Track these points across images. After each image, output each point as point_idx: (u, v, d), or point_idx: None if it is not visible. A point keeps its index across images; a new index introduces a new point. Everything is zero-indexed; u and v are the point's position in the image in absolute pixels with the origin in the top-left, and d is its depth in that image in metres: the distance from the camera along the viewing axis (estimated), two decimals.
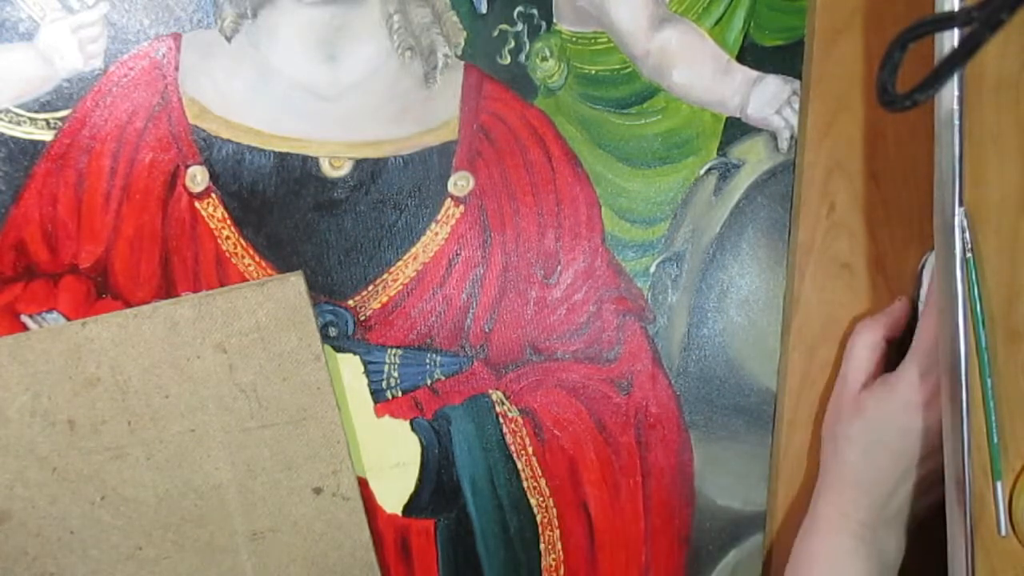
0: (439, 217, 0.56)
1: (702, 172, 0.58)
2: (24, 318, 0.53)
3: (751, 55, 0.57)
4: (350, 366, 0.56)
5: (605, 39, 0.56)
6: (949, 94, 0.49)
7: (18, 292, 0.53)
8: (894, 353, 0.58)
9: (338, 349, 0.56)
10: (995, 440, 0.49)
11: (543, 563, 0.60)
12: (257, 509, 0.55)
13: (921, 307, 0.57)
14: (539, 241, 0.57)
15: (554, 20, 0.56)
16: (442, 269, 0.57)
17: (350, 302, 0.56)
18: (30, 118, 0.52)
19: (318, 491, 0.55)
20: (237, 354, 0.53)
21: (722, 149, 0.58)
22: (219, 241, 0.54)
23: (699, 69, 0.57)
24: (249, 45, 0.53)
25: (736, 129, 0.58)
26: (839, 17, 0.57)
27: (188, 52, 0.53)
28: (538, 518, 0.59)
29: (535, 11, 0.55)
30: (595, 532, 0.60)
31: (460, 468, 0.58)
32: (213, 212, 0.54)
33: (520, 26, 0.55)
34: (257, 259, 0.55)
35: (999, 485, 0.49)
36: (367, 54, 0.54)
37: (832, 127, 0.58)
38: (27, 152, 0.52)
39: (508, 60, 0.56)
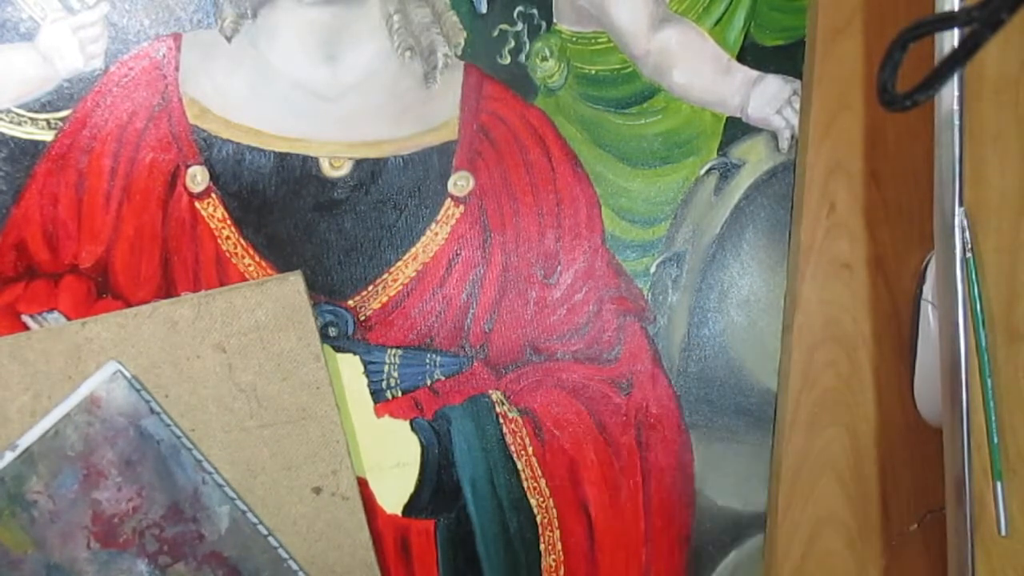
0: (439, 217, 0.56)
1: (702, 172, 0.58)
2: (25, 318, 0.53)
3: (751, 55, 0.57)
4: (350, 366, 0.56)
5: (605, 39, 0.56)
6: (949, 94, 0.49)
7: (19, 292, 0.53)
8: (898, 349, 0.58)
9: (338, 349, 0.56)
10: (995, 440, 0.49)
11: (543, 563, 0.60)
12: (257, 509, 0.55)
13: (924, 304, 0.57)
14: (539, 241, 0.57)
15: (554, 20, 0.56)
16: (442, 269, 0.57)
17: (350, 302, 0.56)
18: (31, 118, 0.52)
19: (318, 491, 0.56)
20: (236, 354, 0.54)
21: (722, 149, 0.58)
22: (219, 241, 0.54)
23: (699, 69, 0.57)
24: (249, 45, 0.53)
25: (736, 129, 0.58)
26: (839, 17, 0.57)
27: (188, 52, 0.53)
28: (538, 518, 0.59)
29: (535, 11, 0.55)
30: (595, 532, 0.60)
31: (460, 468, 0.58)
32: (213, 212, 0.54)
33: (520, 26, 0.55)
34: (257, 259, 0.55)
35: (999, 485, 0.49)
36: (367, 54, 0.54)
37: (832, 127, 0.58)
38: (28, 152, 0.53)
39: (508, 60, 0.56)
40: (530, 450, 0.59)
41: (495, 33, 0.55)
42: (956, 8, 0.47)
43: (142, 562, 0.53)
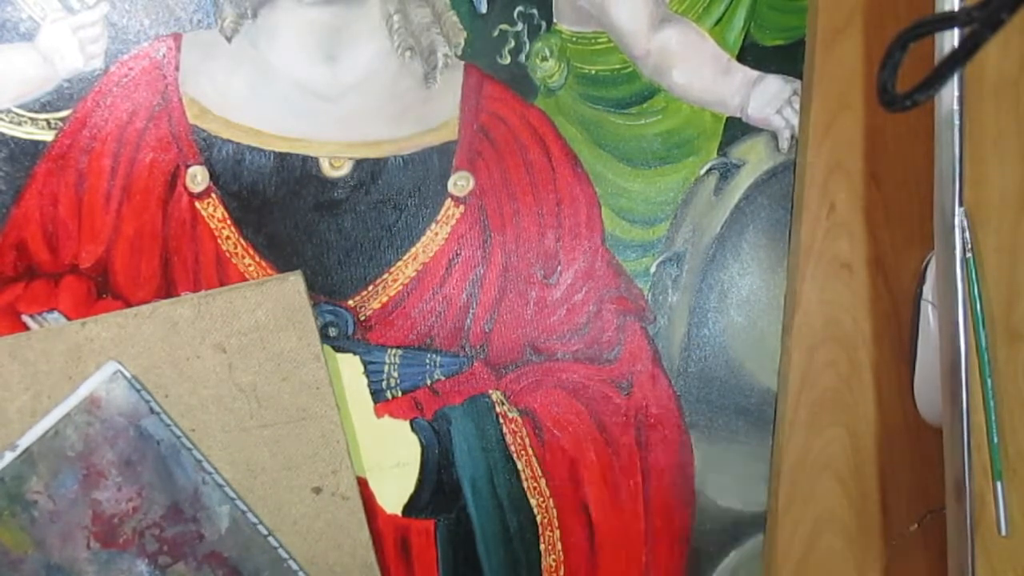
0: (439, 217, 0.56)
1: (702, 172, 0.58)
2: (25, 318, 0.53)
3: (752, 55, 0.57)
4: (350, 366, 0.56)
5: (605, 39, 0.56)
6: (949, 94, 0.49)
7: (19, 292, 0.53)
8: (898, 349, 0.58)
9: (338, 349, 0.56)
10: (995, 440, 0.49)
11: (543, 563, 0.60)
12: (257, 509, 0.55)
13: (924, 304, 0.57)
14: (539, 241, 0.57)
15: (554, 20, 0.56)
16: (442, 269, 0.57)
17: (350, 302, 0.56)
18: (31, 118, 0.52)
19: (318, 491, 0.56)
20: (236, 354, 0.54)
21: (722, 149, 0.58)
22: (219, 241, 0.54)
23: (699, 69, 0.57)
24: (249, 45, 0.53)
25: (736, 129, 0.58)
26: (839, 17, 0.57)
27: (188, 52, 0.53)
28: (538, 518, 0.59)
29: (535, 11, 0.55)
30: (595, 532, 0.60)
31: (460, 468, 0.58)
32: (213, 212, 0.54)
33: (520, 26, 0.55)
34: (257, 259, 0.55)
35: (999, 485, 0.49)
36: (367, 54, 0.54)
37: (832, 127, 0.58)
38: (28, 152, 0.53)
39: (508, 60, 0.56)
40: (530, 450, 0.59)
41: (495, 33, 0.55)
42: (956, 8, 0.47)
43: (142, 562, 0.53)
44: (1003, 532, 0.49)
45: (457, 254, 0.57)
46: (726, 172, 0.59)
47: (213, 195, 0.54)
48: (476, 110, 0.56)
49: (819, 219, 0.59)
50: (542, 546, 0.60)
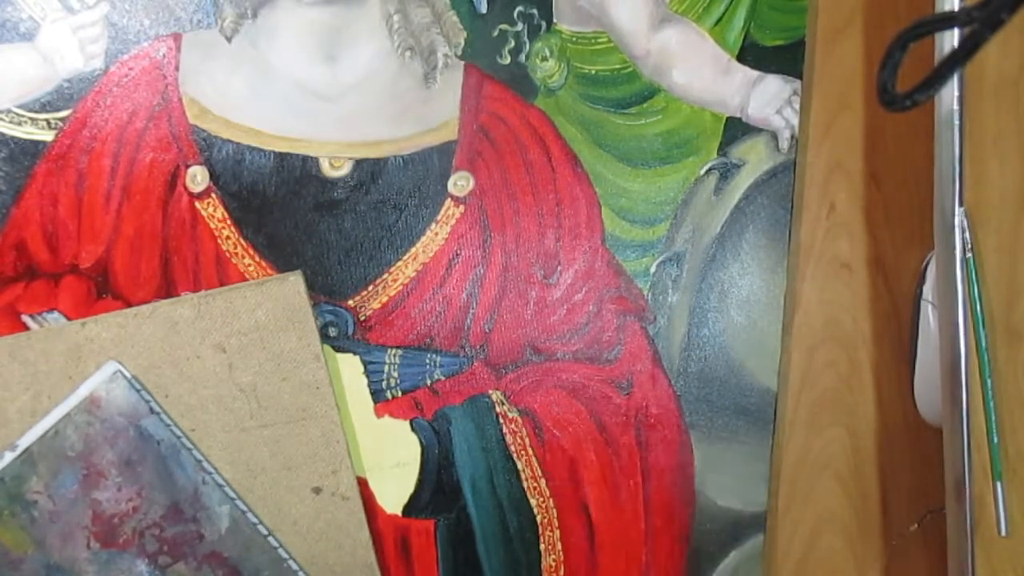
0: (439, 217, 0.56)
1: (702, 172, 0.58)
2: (25, 318, 0.53)
3: (752, 55, 0.57)
4: (350, 366, 0.56)
5: (605, 39, 0.56)
6: (949, 94, 0.49)
7: (19, 292, 0.53)
8: (898, 349, 0.58)
9: (338, 349, 0.56)
10: (995, 440, 0.49)
11: (543, 563, 0.60)
12: (257, 509, 0.55)
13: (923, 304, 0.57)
14: (539, 241, 0.57)
15: (554, 20, 0.56)
16: (442, 269, 0.57)
17: (350, 302, 0.56)
18: (31, 118, 0.52)
19: (318, 491, 0.56)
20: (236, 354, 0.54)
21: (722, 149, 0.58)
22: (219, 241, 0.54)
23: (699, 69, 0.57)
24: (249, 45, 0.53)
25: (736, 129, 0.58)
26: (839, 17, 0.57)
27: (188, 52, 0.53)
28: (538, 518, 0.59)
29: (535, 11, 0.55)
30: (595, 532, 0.60)
31: (460, 468, 0.58)
32: (213, 212, 0.54)
33: (520, 26, 0.55)
34: (257, 259, 0.55)
35: (999, 485, 0.49)
36: (367, 54, 0.54)
37: (832, 127, 0.58)
38: (28, 152, 0.53)
39: (508, 60, 0.56)
40: (530, 450, 0.59)
41: (495, 33, 0.55)
42: (956, 8, 0.47)
43: (142, 562, 0.53)
44: (1003, 532, 0.49)
45: (457, 254, 0.57)
46: (726, 172, 0.59)
47: (213, 195, 0.54)
48: (476, 110, 0.56)
49: (819, 219, 0.59)
50: (542, 546, 0.60)
